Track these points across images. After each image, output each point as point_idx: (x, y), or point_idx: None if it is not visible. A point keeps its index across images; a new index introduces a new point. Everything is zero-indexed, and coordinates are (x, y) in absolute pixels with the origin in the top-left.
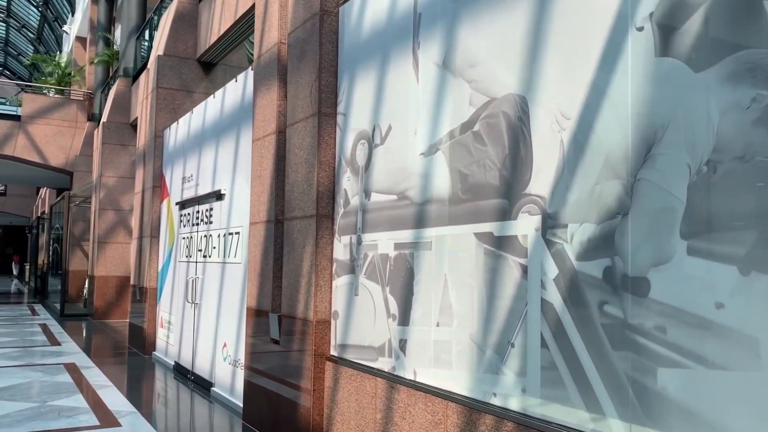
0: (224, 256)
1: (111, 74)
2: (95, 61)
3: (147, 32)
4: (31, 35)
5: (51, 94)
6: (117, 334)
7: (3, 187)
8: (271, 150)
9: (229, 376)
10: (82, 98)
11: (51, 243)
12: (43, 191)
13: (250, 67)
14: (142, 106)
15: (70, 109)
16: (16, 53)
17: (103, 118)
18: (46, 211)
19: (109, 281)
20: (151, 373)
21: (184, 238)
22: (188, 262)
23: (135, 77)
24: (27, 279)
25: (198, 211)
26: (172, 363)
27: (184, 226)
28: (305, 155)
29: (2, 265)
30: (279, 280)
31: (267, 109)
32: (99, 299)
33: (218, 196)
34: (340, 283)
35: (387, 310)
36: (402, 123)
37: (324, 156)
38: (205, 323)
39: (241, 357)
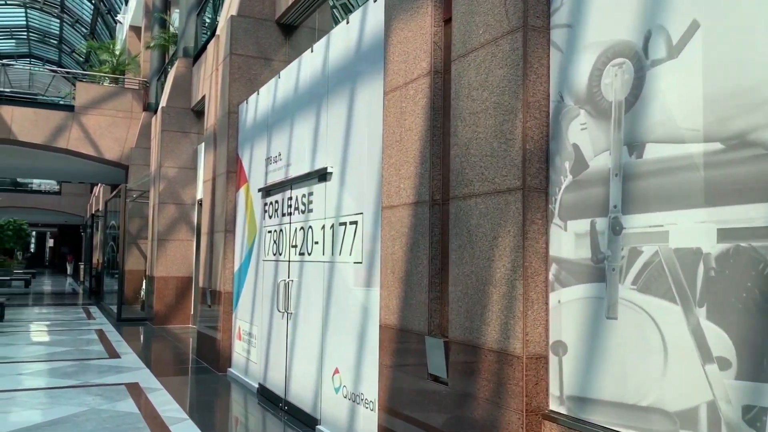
0: (332, 254)
1: (167, 60)
2: (151, 45)
3: (209, 6)
4: (84, 30)
5: (105, 84)
6: (181, 343)
7: (58, 187)
8: (420, 100)
9: (344, 414)
10: (137, 87)
11: (107, 241)
12: (97, 189)
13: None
14: (210, 81)
15: (125, 99)
16: (70, 50)
17: (162, 103)
18: (100, 209)
19: (169, 282)
20: (230, 398)
21: (269, 231)
22: (277, 261)
23: (197, 56)
24: (81, 278)
25: (290, 198)
26: (256, 385)
27: (270, 217)
28: (494, 97)
29: (58, 265)
30: (439, 287)
31: (412, 42)
32: (159, 302)
33: (322, 176)
34: (568, 296)
35: (702, 349)
36: (736, 12)
37: (532, 95)
38: (305, 339)
39: (367, 391)
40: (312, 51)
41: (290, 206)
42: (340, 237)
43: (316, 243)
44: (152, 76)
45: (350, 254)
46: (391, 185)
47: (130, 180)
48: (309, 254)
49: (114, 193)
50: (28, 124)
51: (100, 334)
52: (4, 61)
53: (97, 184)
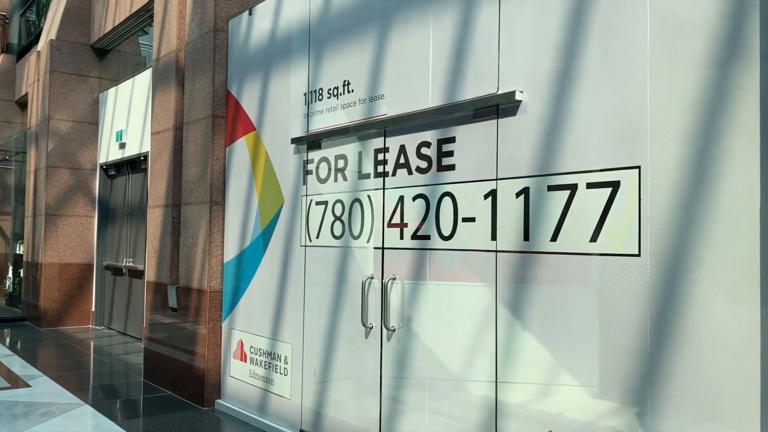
0: (527, 237)
1: None
2: None
3: None
4: None
5: None
6: (105, 357)
7: None
8: None
9: None
10: None
11: None
12: None
13: None
14: None
15: None
16: None
17: (49, 35)
18: None
19: (62, 271)
20: None
21: (320, 202)
22: (345, 247)
23: None
24: None
25: (384, 150)
26: None
27: (323, 180)
28: None
29: None
30: None
31: None
32: (47, 298)
33: (484, 109)
34: None
35: None
36: None
37: None
38: (441, 373)
39: None
40: None
41: (383, 162)
42: (554, 211)
43: (468, 221)
44: (13, 9)
45: (593, 239)
46: None
47: None
48: (446, 238)
49: None
50: None
51: None
52: None
53: None
